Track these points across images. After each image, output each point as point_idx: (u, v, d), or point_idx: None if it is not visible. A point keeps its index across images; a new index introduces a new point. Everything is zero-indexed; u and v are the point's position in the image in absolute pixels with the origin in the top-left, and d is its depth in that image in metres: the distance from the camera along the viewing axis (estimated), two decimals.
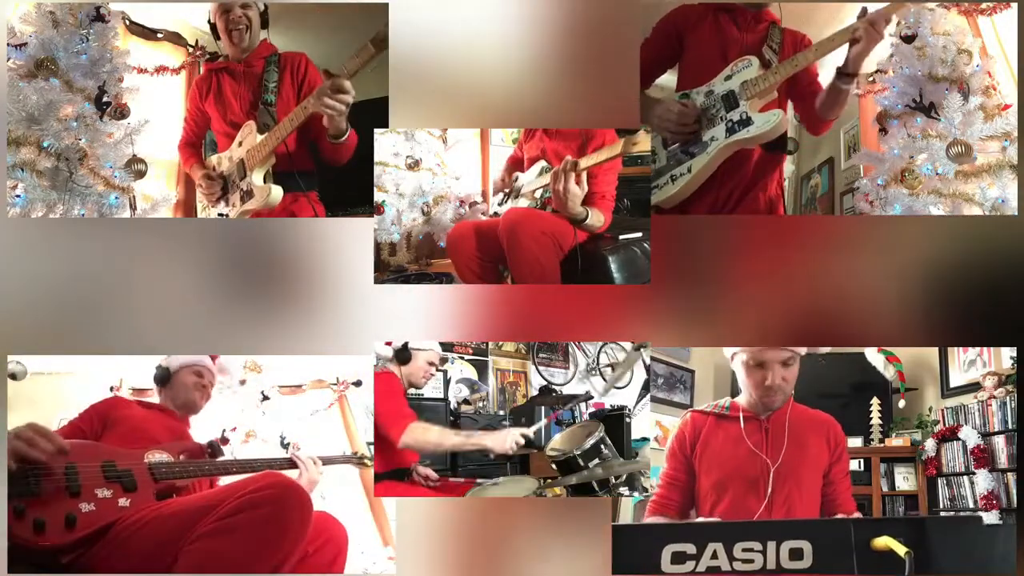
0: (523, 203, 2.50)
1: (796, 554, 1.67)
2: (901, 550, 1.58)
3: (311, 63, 2.46)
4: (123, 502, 1.75)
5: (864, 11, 2.18)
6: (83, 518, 1.68)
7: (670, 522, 2.00)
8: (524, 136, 2.60)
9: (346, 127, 2.28)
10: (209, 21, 2.51)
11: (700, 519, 1.90)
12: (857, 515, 1.99)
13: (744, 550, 1.68)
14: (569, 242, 2.29)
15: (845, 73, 2.24)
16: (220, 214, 2.45)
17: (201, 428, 2.24)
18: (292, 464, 2.11)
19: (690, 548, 1.68)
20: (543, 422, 2.47)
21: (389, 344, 2.19)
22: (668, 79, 2.44)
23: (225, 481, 2.06)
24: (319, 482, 2.14)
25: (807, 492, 2.05)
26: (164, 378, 2.22)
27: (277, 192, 2.35)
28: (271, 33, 2.52)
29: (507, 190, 2.62)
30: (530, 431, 2.19)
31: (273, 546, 1.66)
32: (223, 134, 2.50)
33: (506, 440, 2.12)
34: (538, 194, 2.45)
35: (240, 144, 2.42)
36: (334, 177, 2.50)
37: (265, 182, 2.37)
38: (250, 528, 1.63)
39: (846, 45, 2.20)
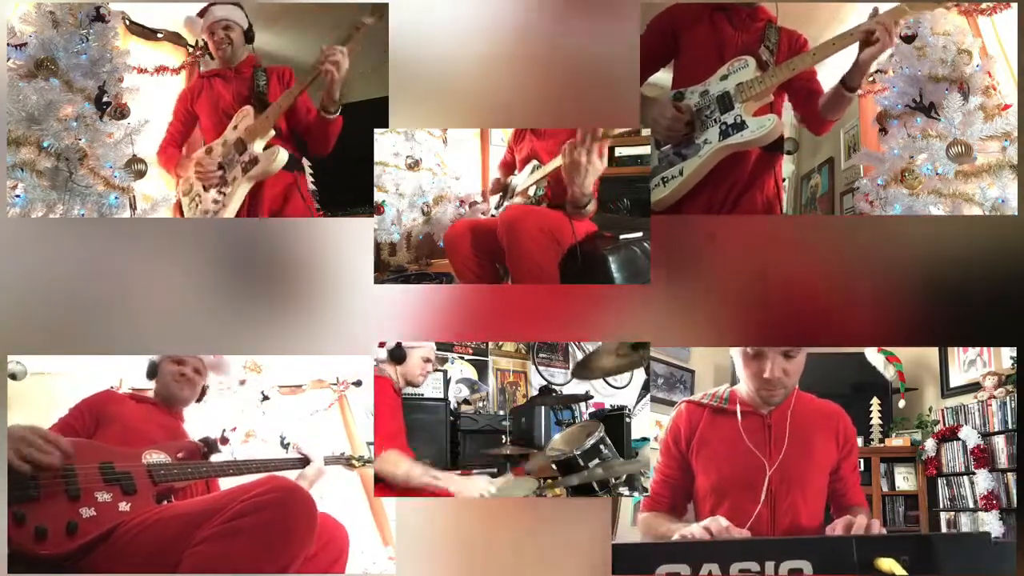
0: (518, 201, 2.50)
1: (796, 574, 1.63)
2: None
3: (294, 72, 2.59)
4: (123, 506, 1.74)
5: (876, 11, 2.16)
6: (84, 524, 1.67)
7: (664, 541, 1.93)
8: (514, 139, 2.60)
9: (339, 99, 2.40)
10: (200, 39, 2.68)
11: (699, 526, 1.85)
12: (868, 521, 1.95)
13: (741, 570, 1.64)
14: (568, 240, 2.28)
15: (850, 86, 2.23)
16: (219, 191, 2.46)
17: (201, 428, 2.23)
18: (290, 464, 2.11)
19: (684, 569, 1.64)
20: (511, 477, 2.41)
21: (383, 345, 2.18)
22: (663, 77, 2.44)
23: (225, 482, 2.07)
24: (326, 473, 2.16)
25: (812, 495, 1.99)
26: (152, 371, 2.21)
27: (283, 155, 2.41)
28: (270, 35, 2.64)
29: (501, 190, 2.62)
30: (494, 486, 2.13)
31: (278, 550, 1.66)
32: (212, 127, 2.56)
33: (471, 489, 2.08)
34: (531, 191, 2.45)
35: (236, 128, 2.49)
36: (332, 179, 2.51)
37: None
38: (255, 532, 1.63)
39: (845, 49, 2.19)
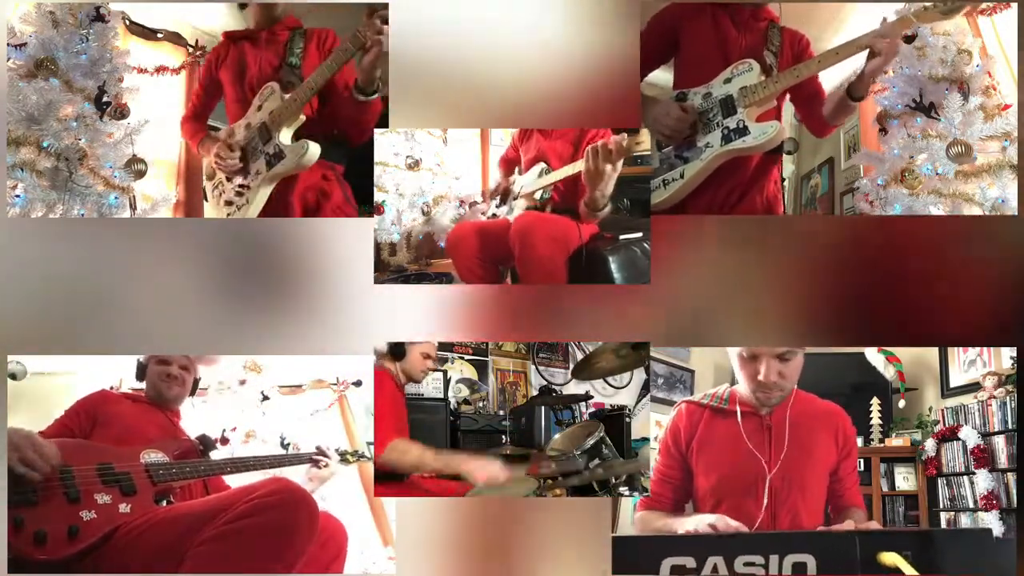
0: (521, 204, 2.50)
1: (799, 568, 1.63)
2: (909, 571, 1.56)
3: (339, 37, 2.34)
4: (123, 507, 1.74)
5: (885, 20, 2.14)
6: (85, 527, 1.67)
7: (669, 535, 1.95)
8: (519, 138, 2.59)
9: (378, 79, 2.17)
10: None
11: (705, 522, 1.85)
12: (867, 521, 1.95)
13: (746, 564, 1.64)
14: (574, 243, 2.29)
15: (854, 96, 2.23)
16: (240, 186, 2.30)
17: (201, 428, 2.23)
18: (289, 461, 2.11)
19: (690, 562, 1.64)
20: (520, 463, 2.40)
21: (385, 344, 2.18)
22: (663, 77, 2.43)
23: (224, 480, 2.06)
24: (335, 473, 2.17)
25: (812, 496, 2.00)
26: (140, 373, 2.18)
27: (314, 149, 2.20)
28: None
29: (500, 194, 2.62)
30: (505, 474, 2.10)
31: (281, 551, 1.66)
32: (237, 101, 2.38)
33: (483, 472, 2.05)
34: (538, 195, 2.45)
35: (260, 109, 2.29)
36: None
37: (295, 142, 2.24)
38: (257, 533, 1.63)
39: (850, 57, 2.18)
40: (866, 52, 2.15)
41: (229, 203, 2.33)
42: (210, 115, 2.51)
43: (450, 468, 2.07)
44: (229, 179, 2.34)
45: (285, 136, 2.24)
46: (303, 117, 2.25)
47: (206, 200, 2.42)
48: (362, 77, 2.17)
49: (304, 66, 2.31)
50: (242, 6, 2.43)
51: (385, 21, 2.06)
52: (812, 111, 2.36)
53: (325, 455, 2.17)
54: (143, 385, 2.20)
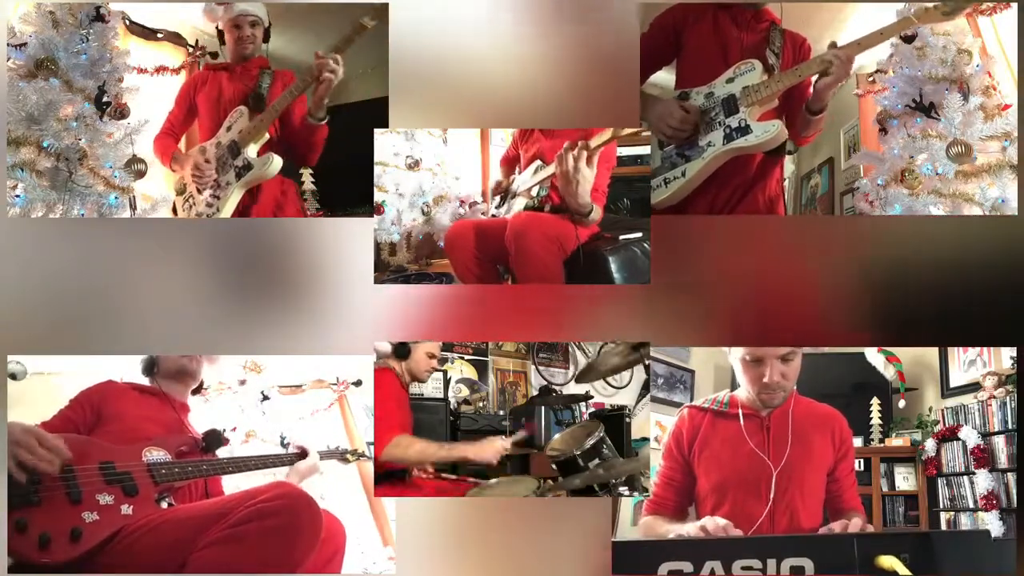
0: (520, 202, 2.50)
1: (797, 571, 1.64)
2: (905, 574, 1.56)
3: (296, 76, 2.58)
4: (125, 509, 1.73)
5: (833, 43, 2.17)
6: (88, 530, 1.66)
7: (667, 539, 1.95)
8: (520, 137, 2.60)
9: (327, 106, 2.39)
10: (217, 28, 2.61)
11: (696, 525, 1.86)
12: (864, 525, 1.95)
13: (743, 568, 1.65)
14: (571, 244, 2.29)
15: (812, 110, 2.25)
16: (213, 195, 2.44)
17: (203, 428, 2.22)
18: (289, 460, 2.11)
19: (687, 566, 1.65)
20: (523, 433, 2.43)
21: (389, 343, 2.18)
22: (665, 77, 2.44)
23: (224, 479, 2.06)
24: (319, 471, 2.17)
25: (810, 494, 2.02)
26: (151, 365, 2.15)
27: (277, 161, 2.41)
28: (285, 40, 2.63)
29: (502, 193, 2.62)
30: (510, 442, 2.17)
31: (282, 556, 1.66)
32: (209, 122, 2.54)
33: (488, 450, 2.10)
34: (534, 192, 2.45)
35: (229, 129, 2.48)
36: (333, 179, 2.52)
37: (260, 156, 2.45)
38: (259, 537, 1.63)
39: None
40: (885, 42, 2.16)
41: (199, 215, 2.46)
42: (183, 135, 2.63)
43: (454, 456, 2.09)
44: (200, 190, 2.47)
45: (252, 151, 2.44)
46: (267, 136, 2.45)
47: (175, 214, 2.51)
48: (313, 105, 2.39)
49: (269, 97, 2.51)
50: (221, 41, 2.63)
51: (337, 61, 2.29)
52: (792, 119, 2.35)
53: (305, 453, 2.17)
54: (151, 378, 2.16)
